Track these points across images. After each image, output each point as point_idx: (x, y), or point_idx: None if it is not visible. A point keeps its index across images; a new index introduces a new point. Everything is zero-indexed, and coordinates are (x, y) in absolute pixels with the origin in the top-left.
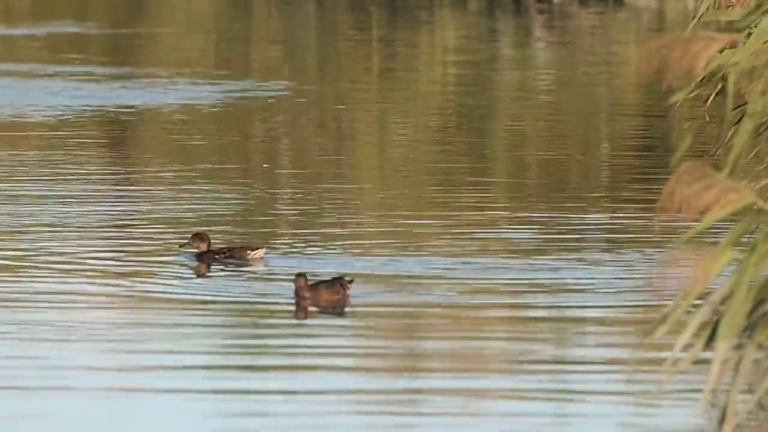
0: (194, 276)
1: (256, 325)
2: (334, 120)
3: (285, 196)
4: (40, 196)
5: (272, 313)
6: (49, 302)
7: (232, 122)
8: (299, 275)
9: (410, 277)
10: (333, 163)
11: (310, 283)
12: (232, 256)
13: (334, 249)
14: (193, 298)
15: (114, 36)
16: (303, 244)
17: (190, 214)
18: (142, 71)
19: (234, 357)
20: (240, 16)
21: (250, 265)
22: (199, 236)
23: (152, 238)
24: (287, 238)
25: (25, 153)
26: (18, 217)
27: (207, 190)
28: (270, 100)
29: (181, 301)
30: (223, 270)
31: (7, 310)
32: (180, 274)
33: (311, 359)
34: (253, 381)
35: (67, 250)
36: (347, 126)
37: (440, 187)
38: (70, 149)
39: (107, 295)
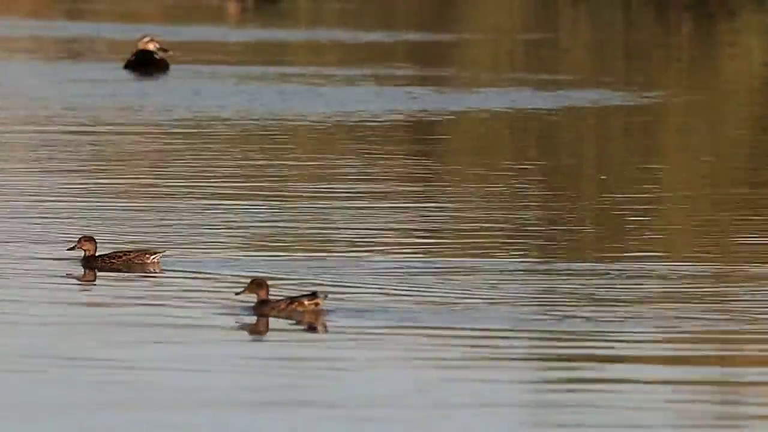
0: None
1: None
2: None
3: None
4: (356, 195)
5: None
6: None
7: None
8: None
9: None
10: None
11: None
12: None
13: None
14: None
15: (421, 42)
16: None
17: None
18: (453, 76)
19: None
20: (546, 20)
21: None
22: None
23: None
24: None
25: (343, 156)
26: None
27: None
28: (637, 107)
29: None
30: None
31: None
32: None
33: None
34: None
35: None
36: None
37: None
38: (389, 152)
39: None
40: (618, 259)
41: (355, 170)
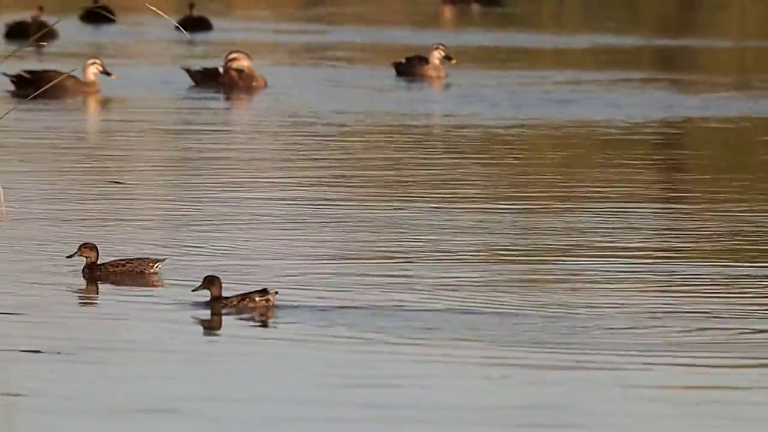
0: None
1: None
2: None
3: None
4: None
5: None
6: None
7: None
8: None
9: None
10: None
11: None
12: None
13: None
14: None
15: (665, 47)
16: None
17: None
18: (699, 81)
19: None
20: None
21: None
22: None
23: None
24: None
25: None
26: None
27: None
28: None
29: None
30: None
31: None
32: None
33: None
34: None
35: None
36: None
37: None
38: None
39: None
40: None
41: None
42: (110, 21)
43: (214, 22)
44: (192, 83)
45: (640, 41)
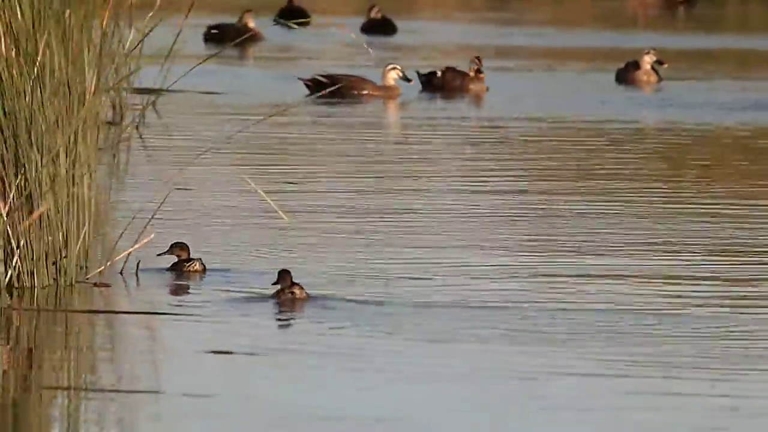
0: None
1: None
2: None
3: None
4: None
5: None
6: None
7: None
8: None
9: None
10: None
11: None
12: None
13: None
14: None
15: None
16: None
17: None
18: None
19: None
20: None
21: None
22: None
23: None
24: None
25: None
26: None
27: None
28: None
29: None
30: None
31: None
32: None
33: None
34: None
35: None
36: None
37: None
38: None
39: None
40: None
41: None
42: (303, 23)
43: (398, 23)
44: (420, 88)
45: None
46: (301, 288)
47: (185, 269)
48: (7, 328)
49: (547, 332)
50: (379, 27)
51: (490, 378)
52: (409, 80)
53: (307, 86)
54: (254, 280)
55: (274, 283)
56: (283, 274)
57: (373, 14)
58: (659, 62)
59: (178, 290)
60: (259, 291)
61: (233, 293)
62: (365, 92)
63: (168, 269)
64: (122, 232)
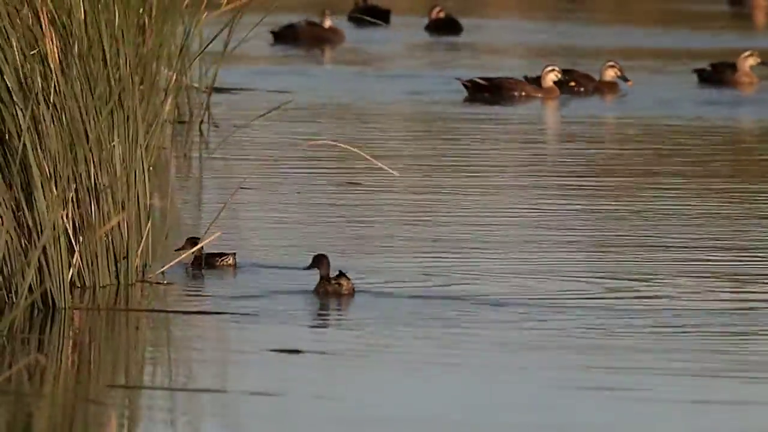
0: None
1: None
2: None
3: None
4: None
5: None
6: None
7: None
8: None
9: None
10: None
11: None
12: None
13: None
14: None
15: None
16: None
17: None
18: None
19: None
20: None
21: None
22: None
23: None
24: None
25: None
26: None
27: None
28: None
29: None
30: None
31: None
32: None
33: None
34: None
35: None
36: None
37: None
38: None
39: None
40: None
41: None
42: (377, 23)
43: (463, 22)
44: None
45: None
46: (348, 279)
47: (218, 263)
48: (69, 327)
49: (619, 333)
50: (443, 27)
51: (559, 381)
52: (627, 80)
53: (466, 87)
54: (309, 277)
55: (307, 268)
56: (320, 259)
57: (434, 14)
58: (764, 63)
59: (234, 287)
60: (306, 287)
61: (287, 292)
62: (524, 94)
63: (191, 264)
64: (187, 232)
